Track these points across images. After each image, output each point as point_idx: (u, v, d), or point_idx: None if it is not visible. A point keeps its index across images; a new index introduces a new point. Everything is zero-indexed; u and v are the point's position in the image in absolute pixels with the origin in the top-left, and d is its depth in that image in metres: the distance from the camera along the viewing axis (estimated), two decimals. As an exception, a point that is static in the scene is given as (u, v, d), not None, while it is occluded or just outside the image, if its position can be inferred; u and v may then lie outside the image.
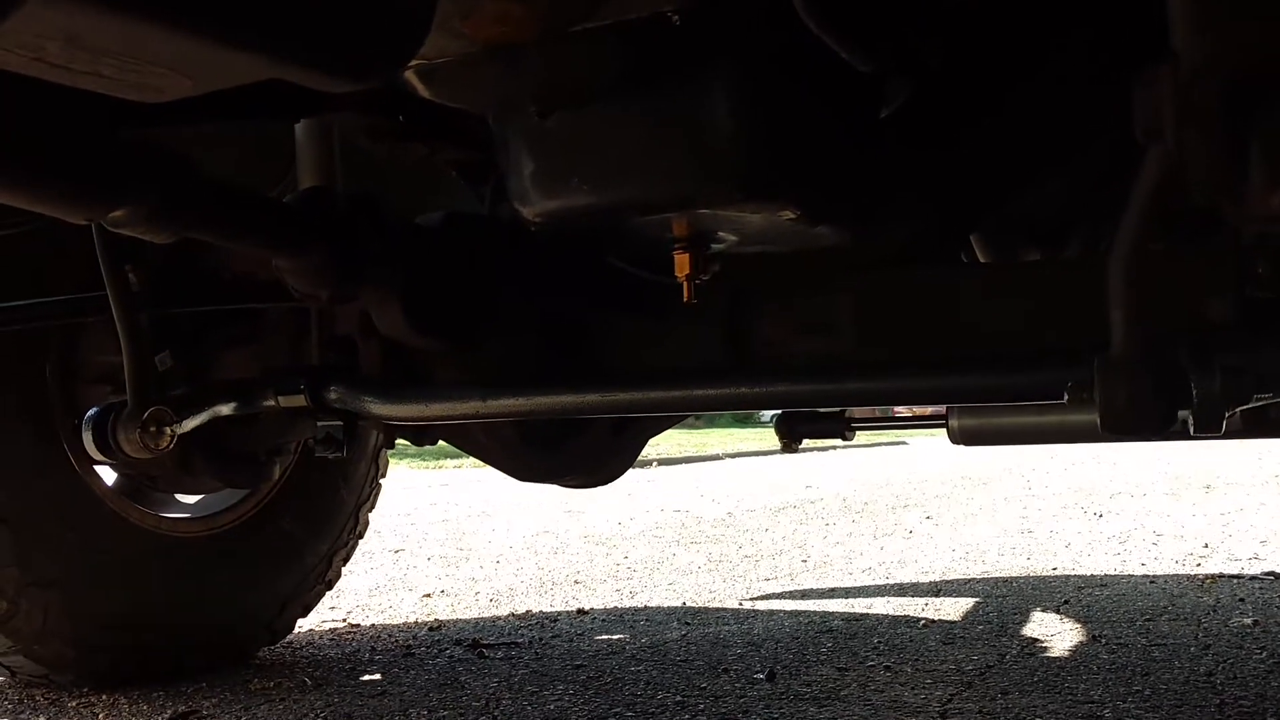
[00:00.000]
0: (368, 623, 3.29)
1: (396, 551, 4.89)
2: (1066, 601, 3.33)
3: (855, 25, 1.33)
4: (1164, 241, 1.59)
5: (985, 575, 3.93)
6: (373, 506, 2.95)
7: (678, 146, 1.44)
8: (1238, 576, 3.69)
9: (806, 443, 2.58)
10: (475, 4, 1.23)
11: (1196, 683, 2.32)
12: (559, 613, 3.38)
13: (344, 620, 3.32)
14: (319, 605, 2.92)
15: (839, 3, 1.28)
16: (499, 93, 1.45)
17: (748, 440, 15.10)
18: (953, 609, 3.26)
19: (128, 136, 1.36)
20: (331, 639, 3.04)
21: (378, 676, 2.58)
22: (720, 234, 1.64)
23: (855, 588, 3.77)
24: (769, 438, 8.82)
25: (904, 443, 14.95)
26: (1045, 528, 5.29)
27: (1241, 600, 3.26)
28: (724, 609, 3.40)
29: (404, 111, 1.70)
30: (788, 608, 3.40)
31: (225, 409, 1.94)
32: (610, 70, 1.40)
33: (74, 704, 2.39)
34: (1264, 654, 2.58)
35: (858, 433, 2.62)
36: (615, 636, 2.98)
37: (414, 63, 1.35)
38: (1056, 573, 3.93)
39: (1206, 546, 4.43)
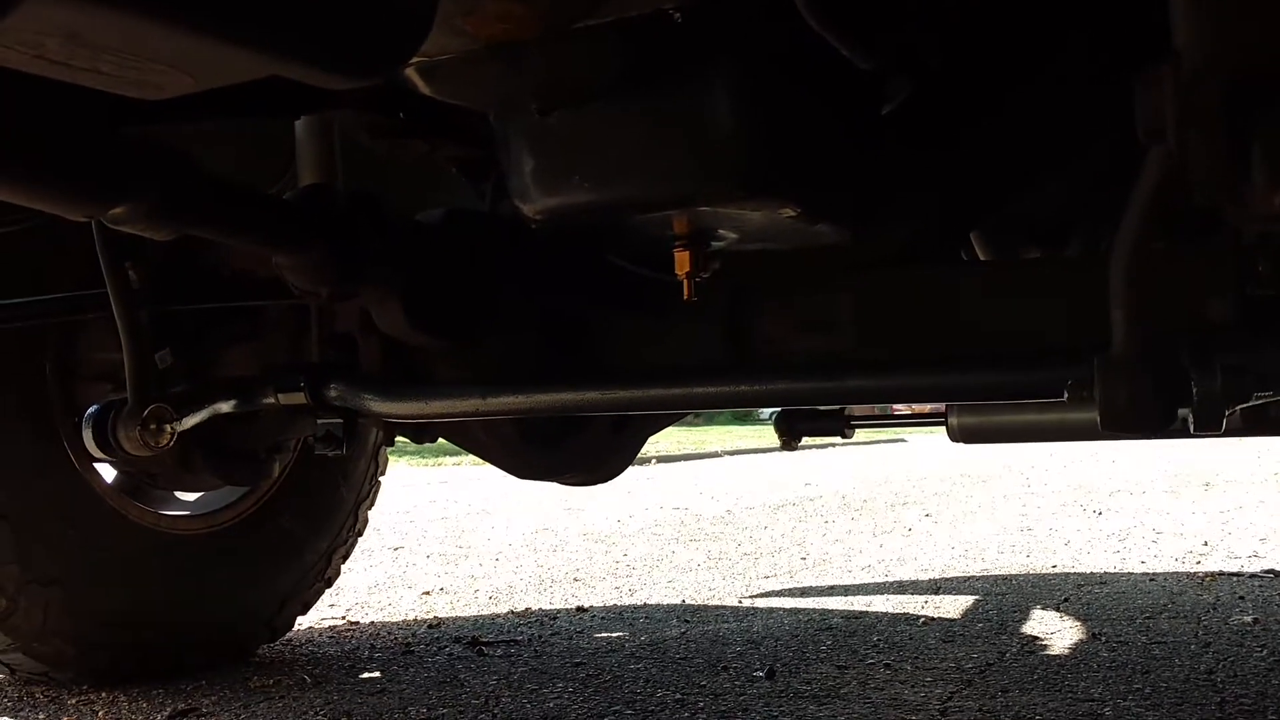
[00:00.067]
0: (367, 620, 3.29)
1: (396, 549, 4.89)
2: (1066, 599, 3.33)
3: (856, 22, 1.33)
4: (1165, 241, 1.59)
5: (985, 573, 3.93)
6: (372, 504, 2.95)
7: (678, 144, 1.44)
8: (1237, 574, 3.69)
9: (806, 440, 2.57)
10: (477, 1, 1.23)
11: (1197, 680, 2.32)
12: (558, 610, 3.38)
13: (343, 618, 3.32)
14: (318, 603, 2.92)
15: (840, 0, 1.28)
16: (500, 90, 1.45)
17: (747, 437, 15.10)
18: (952, 606, 3.26)
19: (128, 134, 1.36)
20: (331, 636, 3.05)
21: (377, 674, 2.58)
22: (720, 232, 1.64)
23: (854, 585, 3.77)
24: (768, 435, 8.82)
25: (903, 440, 14.97)
26: (1045, 525, 5.30)
27: (1241, 598, 3.26)
28: (723, 607, 3.40)
29: (405, 109, 1.70)
30: (787, 605, 3.40)
31: (225, 406, 1.94)
32: (611, 68, 1.40)
33: (74, 701, 2.39)
34: (1264, 651, 2.58)
35: (857, 430, 2.62)
36: (614, 634, 2.98)
37: (415, 60, 1.35)
38: (1056, 570, 3.93)
39: (1206, 544, 4.44)
